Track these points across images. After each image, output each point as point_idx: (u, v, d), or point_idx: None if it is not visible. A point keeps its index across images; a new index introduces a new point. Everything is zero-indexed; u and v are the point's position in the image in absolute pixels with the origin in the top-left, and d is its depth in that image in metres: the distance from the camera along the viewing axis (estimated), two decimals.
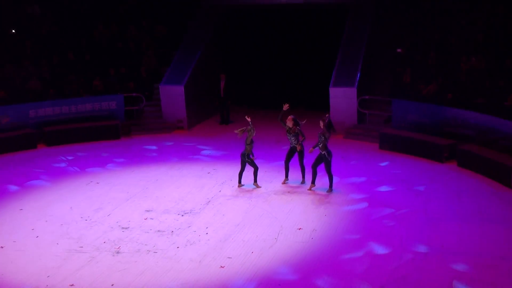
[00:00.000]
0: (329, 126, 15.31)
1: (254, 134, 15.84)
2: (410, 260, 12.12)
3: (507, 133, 16.76)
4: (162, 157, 19.34)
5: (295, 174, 16.53)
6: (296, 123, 15.73)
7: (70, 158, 19.26)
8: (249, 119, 15.96)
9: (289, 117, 15.84)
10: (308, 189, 15.82)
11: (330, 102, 20.96)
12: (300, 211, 14.66)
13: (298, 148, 15.84)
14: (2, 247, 13.19)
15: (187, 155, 19.43)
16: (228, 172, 17.28)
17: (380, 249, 12.65)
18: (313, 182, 15.80)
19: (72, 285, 11.53)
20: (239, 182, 16.25)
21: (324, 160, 15.38)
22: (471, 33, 20.99)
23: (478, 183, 16.12)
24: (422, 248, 12.54)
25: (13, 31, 24.12)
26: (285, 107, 15.98)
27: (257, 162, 16.54)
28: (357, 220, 14.14)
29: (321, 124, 15.33)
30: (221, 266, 12.06)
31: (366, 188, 16.02)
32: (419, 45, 21.64)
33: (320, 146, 15.31)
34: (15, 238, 13.60)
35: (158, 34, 24.80)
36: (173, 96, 22.34)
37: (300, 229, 13.64)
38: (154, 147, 20.36)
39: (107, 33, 24.58)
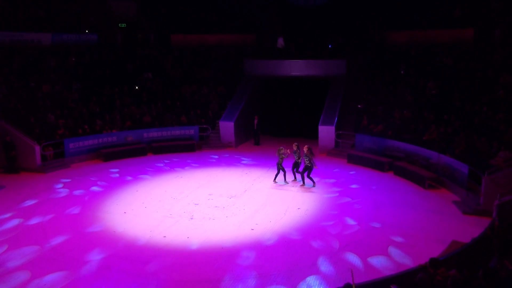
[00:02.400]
0: (310, 151, 15.15)
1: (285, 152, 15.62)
2: (365, 229, 11.92)
3: (424, 156, 16.47)
4: (219, 163, 19.24)
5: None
6: (298, 148, 15.62)
7: (166, 161, 19.28)
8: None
9: (294, 143, 15.71)
10: (300, 185, 15.56)
11: (319, 134, 20.72)
12: (299, 197, 14.48)
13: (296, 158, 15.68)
14: (125, 212, 13.25)
15: (234, 162, 19.31)
16: (257, 173, 17.16)
17: (347, 221, 12.46)
18: (303, 181, 15.55)
19: (164, 236, 11.53)
20: (274, 179, 15.93)
21: (308, 169, 15.26)
22: (403, 95, 20.71)
23: (406, 185, 15.79)
24: (372, 223, 12.33)
25: (136, 87, 24.35)
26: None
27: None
28: (333, 203, 13.92)
29: (305, 149, 15.18)
30: (252, 229, 11.96)
31: (340, 186, 15.76)
32: (372, 102, 21.40)
33: (306, 161, 15.14)
34: (132, 207, 13.67)
35: (219, 91, 24.85)
36: (227, 127, 22.27)
37: (299, 208, 13.48)
38: (215, 157, 20.28)
39: (189, 90, 24.66)
